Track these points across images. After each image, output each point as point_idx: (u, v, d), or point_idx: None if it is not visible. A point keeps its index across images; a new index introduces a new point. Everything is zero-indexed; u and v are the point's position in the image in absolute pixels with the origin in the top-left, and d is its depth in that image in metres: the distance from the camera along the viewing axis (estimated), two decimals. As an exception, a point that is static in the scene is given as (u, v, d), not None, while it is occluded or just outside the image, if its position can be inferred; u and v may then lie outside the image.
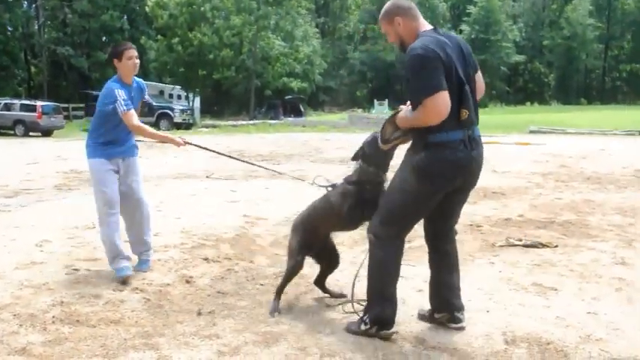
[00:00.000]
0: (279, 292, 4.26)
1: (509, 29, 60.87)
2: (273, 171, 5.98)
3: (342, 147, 16.17)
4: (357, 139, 16.71)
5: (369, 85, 59.49)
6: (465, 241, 6.09)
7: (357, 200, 3.91)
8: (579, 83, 64.94)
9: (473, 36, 58.45)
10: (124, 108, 4.73)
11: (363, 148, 3.94)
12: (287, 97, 44.14)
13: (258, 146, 17.15)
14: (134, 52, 4.92)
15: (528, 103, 51.61)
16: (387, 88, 53.45)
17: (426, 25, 3.60)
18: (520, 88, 64.99)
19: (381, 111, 37.70)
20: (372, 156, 3.88)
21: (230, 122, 34.47)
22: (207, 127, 32.93)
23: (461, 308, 3.86)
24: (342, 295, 4.43)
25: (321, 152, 15.11)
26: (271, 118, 37.76)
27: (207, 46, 41.21)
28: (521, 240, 6.04)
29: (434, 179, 3.48)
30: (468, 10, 60.64)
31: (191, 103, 42.21)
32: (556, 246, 5.86)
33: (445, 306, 3.85)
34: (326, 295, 4.49)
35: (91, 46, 49.27)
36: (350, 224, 4.10)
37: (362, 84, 60.44)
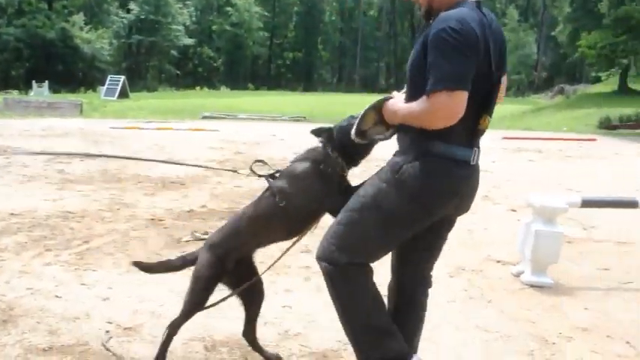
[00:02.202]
0: (173, 332, 3.23)
1: (179, 12, 61.21)
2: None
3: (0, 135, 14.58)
4: (15, 125, 15.15)
5: (25, 64, 54.43)
6: (148, 238, 5.80)
7: (309, 182, 2.93)
8: (247, 69, 68.16)
9: (142, 17, 57.58)
10: None
11: (331, 130, 2.99)
12: None
13: None
14: None
15: (198, 88, 52.44)
16: (47, 69, 49.52)
17: None
18: (190, 72, 65.90)
19: (41, 94, 34.71)
20: (341, 144, 2.93)
21: None
22: None
23: None
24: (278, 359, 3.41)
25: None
26: None
27: None
28: (207, 233, 5.91)
29: (428, 199, 2.57)
30: (136, -10, 59.34)
31: None
32: (242, 237, 5.84)
33: None
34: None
35: None
36: (298, 223, 3.00)
37: (17, 63, 55.02)
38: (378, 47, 73.61)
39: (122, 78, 36.16)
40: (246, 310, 3.34)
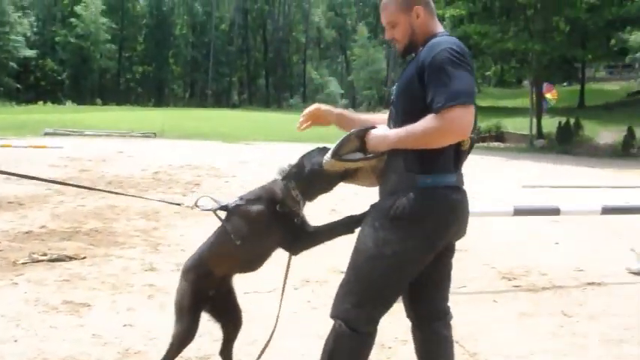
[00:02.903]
0: None
1: (19, 22, 57.97)
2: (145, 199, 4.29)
3: None
4: None
5: None
6: (-18, 261, 5.47)
7: (265, 224, 2.91)
8: (94, 83, 65.60)
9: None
10: None
11: (298, 164, 2.90)
12: None
13: None
14: None
15: (41, 102, 49.77)
16: None
17: (440, 26, 2.70)
18: (31, 86, 62.32)
19: None
20: (307, 175, 2.86)
21: None
22: None
23: None
24: None
25: None
26: None
27: None
28: (46, 254, 5.68)
29: (430, 229, 2.56)
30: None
31: None
32: (84, 257, 5.68)
33: None
34: None
35: None
36: (254, 259, 3.04)
37: None
38: (231, 62, 73.49)
39: (-46, 91, 33.68)
40: (224, 331, 3.27)
